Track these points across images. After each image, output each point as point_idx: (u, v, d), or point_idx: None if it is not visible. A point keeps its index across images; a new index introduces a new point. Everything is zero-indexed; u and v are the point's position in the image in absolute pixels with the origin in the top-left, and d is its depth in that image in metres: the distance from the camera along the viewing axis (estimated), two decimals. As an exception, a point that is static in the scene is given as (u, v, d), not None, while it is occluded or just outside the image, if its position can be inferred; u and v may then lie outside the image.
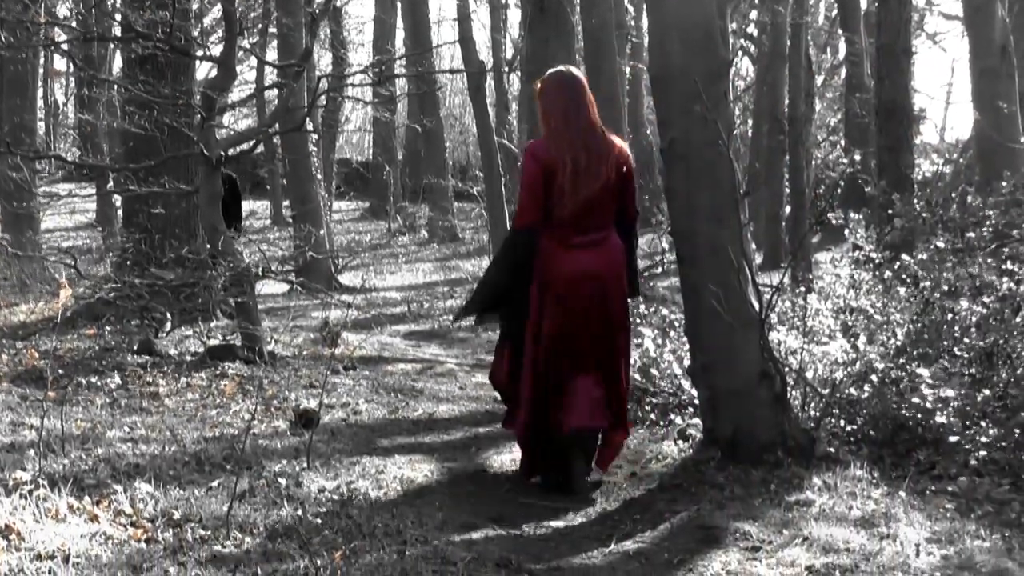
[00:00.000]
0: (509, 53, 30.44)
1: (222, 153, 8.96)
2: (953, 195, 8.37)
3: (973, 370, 6.38)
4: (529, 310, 5.63)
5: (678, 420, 6.65)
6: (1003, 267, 6.89)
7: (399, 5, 28.14)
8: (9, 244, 11.78)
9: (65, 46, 15.97)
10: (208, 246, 9.41)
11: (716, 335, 5.62)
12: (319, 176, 18.67)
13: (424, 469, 5.85)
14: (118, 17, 12.34)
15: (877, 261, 7.94)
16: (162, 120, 10.03)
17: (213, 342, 8.98)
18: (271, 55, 22.50)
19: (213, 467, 5.22)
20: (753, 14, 25.73)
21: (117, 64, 22.85)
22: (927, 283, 6.93)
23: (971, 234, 7.64)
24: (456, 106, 39.20)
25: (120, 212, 14.50)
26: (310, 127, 17.72)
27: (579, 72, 5.90)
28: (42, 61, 25.45)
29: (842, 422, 6.16)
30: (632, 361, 7.51)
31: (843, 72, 26.91)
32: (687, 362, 6.72)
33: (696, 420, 6.29)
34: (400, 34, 28.84)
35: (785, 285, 7.43)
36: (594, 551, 4.53)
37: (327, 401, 7.27)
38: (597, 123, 5.68)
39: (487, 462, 6.18)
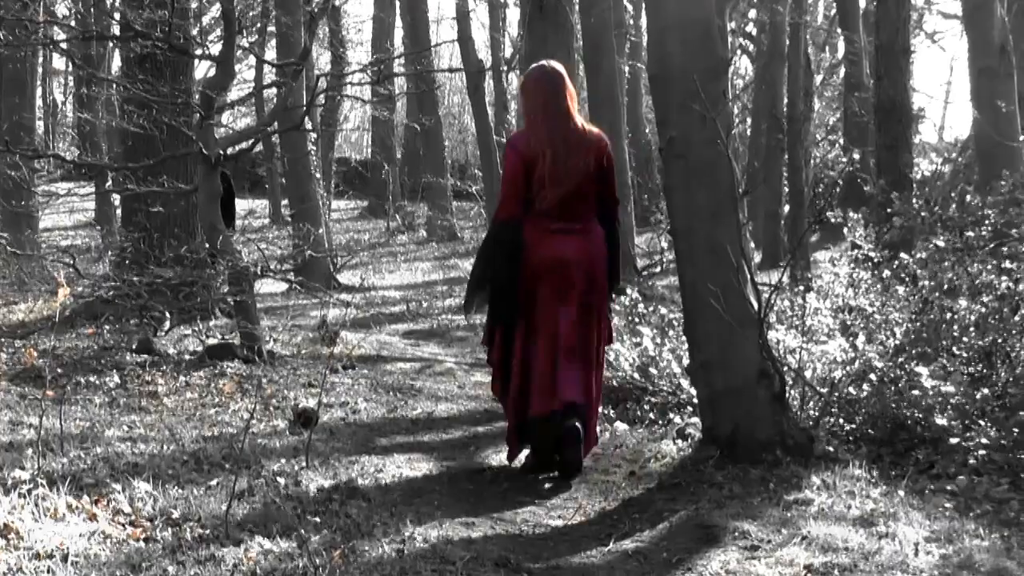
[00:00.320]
0: (508, 52, 30.40)
1: (221, 152, 8.96)
2: (952, 194, 8.37)
3: (972, 369, 6.38)
4: (518, 297, 5.76)
5: (677, 419, 6.65)
6: (1002, 266, 6.89)
7: (398, 4, 28.17)
8: (8, 243, 11.77)
9: (64, 45, 16.00)
10: (207, 245, 9.40)
11: (715, 334, 5.63)
12: (318, 175, 18.66)
13: (423, 468, 5.85)
14: (117, 16, 12.35)
15: (876, 260, 7.93)
16: (161, 119, 10.03)
17: (212, 341, 8.98)
18: (270, 54, 22.49)
19: (212, 466, 5.22)
20: (752, 13, 25.76)
21: (116, 63, 22.86)
22: (926, 282, 6.93)
23: (970, 233, 7.64)
24: (455, 105, 39.23)
25: (119, 211, 14.47)
26: (309, 126, 17.69)
27: (559, 67, 6.01)
28: (41, 60, 25.48)
29: (841, 421, 6.17)
30: (631, 360, 7.56)
31: (842, 71, 26.91)
32: (686, 361, 6.72)
33: (695, 419, 6.29)
34: (399, 33, 28.91)
35: (784, 284, 7.42)
36: (593, 550, 4.53)
37: (326, 400, 7.27)
38: (575, 115, 5.83)
39: (486, 461, 6.18)
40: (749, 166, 22.03)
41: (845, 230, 8.88)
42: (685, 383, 6.97)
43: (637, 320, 8.35)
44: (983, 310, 6.57)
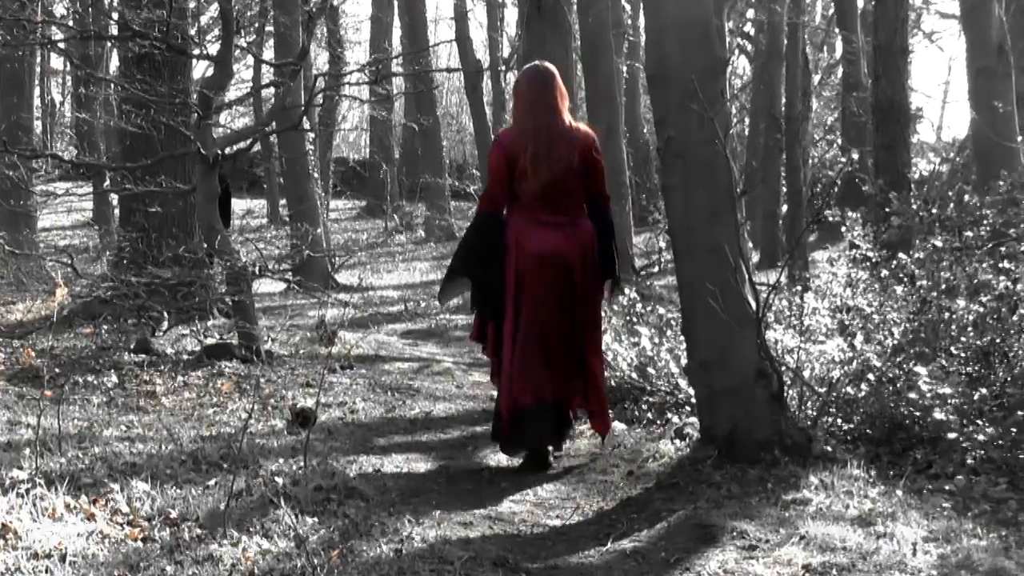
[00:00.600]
0: (506, 52, 30.41)
1: (219, 152, 8.95)
2: (950, 194, 8.36)
3: (970, 369, 6.38)
4: (505, 288, 5.94)
5: (675, 419, 6.65)
6: (1000, 266, 6.89)
7: (396, 4, 28.13)
8: (6, 243, 11.75)
9: (62, 45, 15.97)
10: (205, 245, 9.40)
11: (713, 334, 5.63)
12: (316, 175, 18.64)
13: (421, 468, 5.86)
14: (115, 16, 12.33)
15: (874, 260, 7.93)
16: (159, 119, 10.03)
17: (210, 341, 8.98)
18: (268, 54, 22.48)
19: (210, 466, 5.22)
20: (750, 13, 25.74)
21: (114, 63, 22.87)
22: (924, 282, 6.93)
23: (968, 233, 7.64)
24: (453, 105, 39.22)
25: (117, 211, 14.48)
26: (307, 126, 17.66)
27: (552, 67, 6.14)
28: (39, 60, 25.45)
29: (839, 421, 6.17)
30: (629, 360, 7.56)
31: (840, 71, 26.92)
32: (684, 360, 6.72)
33: (693, 419, 6.29)
34: (397, 32, 28.84)
35: (782, 284, 7.41)
36: (591, 550, 4.53)
37: (324, 400, 7.27)
38: (563, 112, 5.96)
39: (484, 460, 6.18)
40: (747, 166, 22.02)
41: (843, 230, 8.88)
42: (683, 383, 6.97)
43: (635, 320, 8.35)
44: (981, 310, 6.57)
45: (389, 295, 16.38)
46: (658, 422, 6.81)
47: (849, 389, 6.25)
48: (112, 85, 16.18)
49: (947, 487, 5.31)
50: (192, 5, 11.89)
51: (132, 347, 8.78)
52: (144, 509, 4.36)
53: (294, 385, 7.87)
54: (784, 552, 4.34)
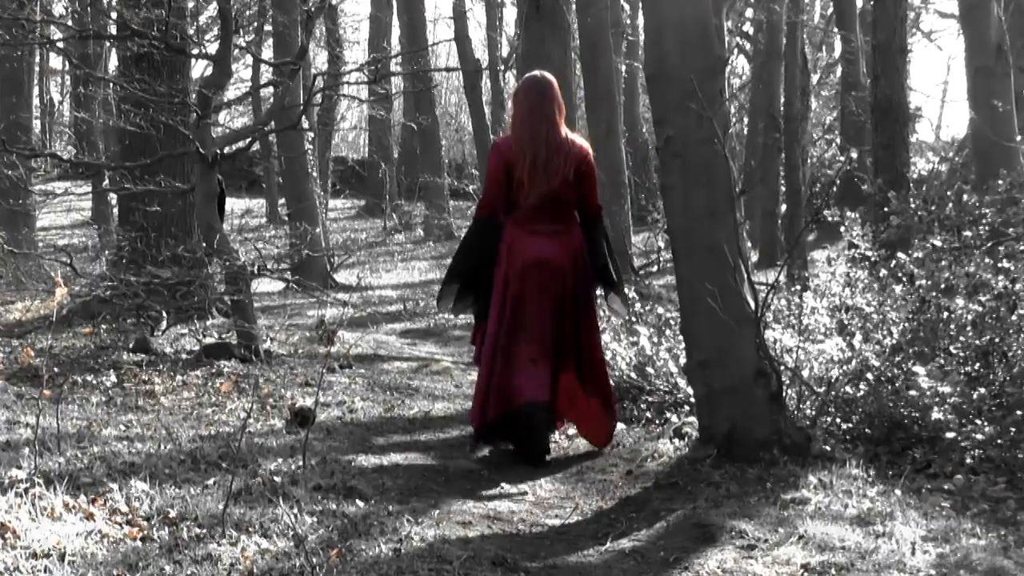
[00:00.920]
0: (505, 51, 30.44)
1: (218, 151, 8.95)
2: (949, 193, 8.36)
3: (969, 368, 6.38)
4: (494, 292, 6.15)
5: (674, 418, 6.66)
6: (999, 265, 6.89)
7: (395, 3, 28.08)
8: (5, 242, 11.75)
9: (61, 44, 15.99)
10: (204, 244, 9.39)
11: (712, 333, 5.64)
12: (315, 174, 18.63)
13: (420, 467, 5.85)
14: (114, 15, 12.33)
15: (873, 259, 7.93)
16: (158, 118, 10.02)
17: (209, 340, 8.97)
18: (267, 53, 22.50)
19: (209, 465, 5.21)
20: (749, 12, 25.74)
21: (113, 62, 22.85)
22: (923, 281, 6.93)
23: (967, 232, 7.65)
24: (452, 104, 39.21)
25: (116, 210, 14.47)
26: (306, 125, 17.69)
27: (551, 78, 6.33)
28: (38, 59, 25.46)
29: (838, 420, 6.17)
30: (628, 359, 7.56)
31: (839, 70, 26.95)
32: (683, 360, 6.73)
33: (692, 418, 6.29)
34: (396, 32, 28.81)
35: (781, 283, 7.42)
36: (590, 549, 4.53)
37: (323, 399, 7.27)
38: (559, 124, 6.15)
39: (482, 460, 6.18)
40: (746, 165, 22.02)
41: (842, 229, 8.88)
42: (682, 382, 6.97)
43: (634, 319, 8.34)
44: (980, 309, 6.57)
45: (388, 294, 16.38)
46: (657, 421, 6.81)
47: (848, 388, 6.26)
48: (111, 84, 16.19)
49: (946, 486, 5.31)
50: (191, 4, 11.90)
51: (131, 346, 8.77)
52: (143, 508, 4.36)
53: (293, 384, 7.86)
54: (783, 551, 4.34)
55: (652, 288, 12.91)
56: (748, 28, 26.77)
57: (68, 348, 8.80)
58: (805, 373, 6.30)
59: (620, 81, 21.52)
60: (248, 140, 10.28)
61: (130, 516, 4.25)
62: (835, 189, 23.10)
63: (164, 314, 9.80)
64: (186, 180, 10.37)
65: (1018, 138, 12.46)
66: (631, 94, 27.38)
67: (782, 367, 5.89)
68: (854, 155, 21.75)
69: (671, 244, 6.12)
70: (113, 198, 16.99)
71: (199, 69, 18.61)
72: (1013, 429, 5.67)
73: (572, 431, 6.55)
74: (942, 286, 6.81)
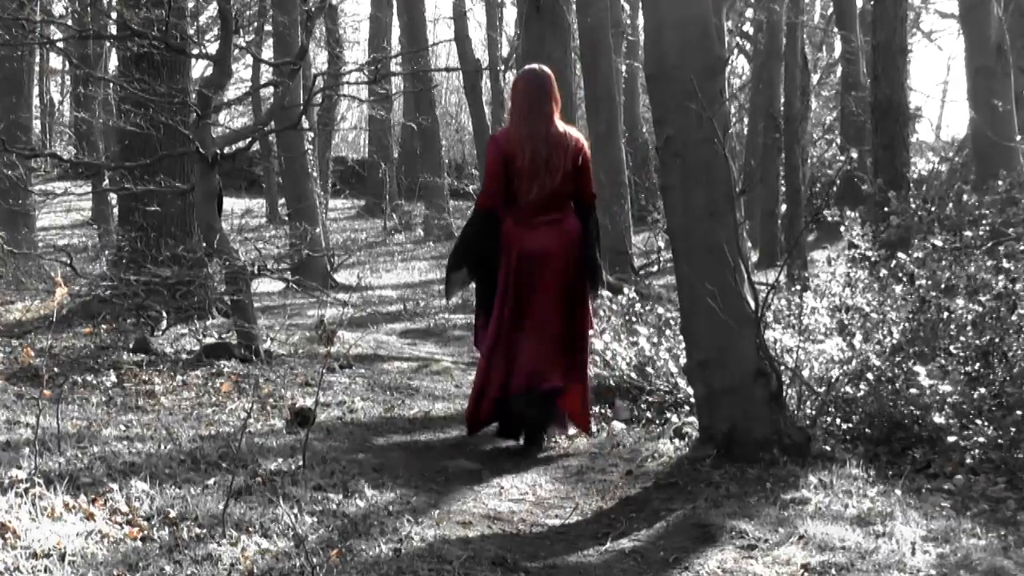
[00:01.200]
0: (505, 51, 30.44)
1: (218, 151, 8.95)
2: (949, 193, 8.37)
3: (969, 368, 6.38)
4: (498, 282, 6.34)
5: (674, 418, 6.66)
6: (999, 265, 6.89)
7: (395, 3, 28.10)
8: (5, 242, 11.75)
9: (61, 44, 16.00)
10: (204, 244, 9.39)
11: (712, 333, 5.64)
12: (315, 174, 18.65)
13: (420, 467, 5.85)
14: (114, 15, 12.33)
15: (873, 259, 7.93)
16: (158, 118, 10.01)
17: (209, 340, 8.97)
18: (267, 53, 22.48)
19: (209, 465, 5.21)
20: (749, 12, 25.74)
21: (113, 62, 22.83)
22: (923, 281, 6.93)
23: (968, 232, 7.65)
24: (452, 104, 39.22)
25: (116, 210, 14.47)
26: (306, 125, 17.70)
27: (548, 71, 6.44)
28: (38, 59, 25.44)
29: (838, 420, 6.17)
30: (628, 359, 7.56)
31: (839, 70, 26.95)
32: (683, 360, 6.73)
33: (692, 418, 6.29)
34: (396, 32, 28.82)
35: (781, 283, 7.42)
36: (590, 549, 4.53)
37: (323, 399, 7.27)
38: (556, 118, 6.26)
39: (482, 460, 6.17)
40: (746, 165, 22.01)
41: (842, 229, 8.88)
42: (682, 382, 6.97)
43: (634, 319, 8.34)
44: (980, 309, 6.57)
45: (388, 294, 16.38)
46: (657, 421, 6.81)
47: (848, 388, 6.26)
48: (111, 84, 16.19)
49: (946, 486, 5.32)
50: (191, 4, 11.90)
51: (131, 346, 8.77)
52: (143, 508, 4.36)
53: (293, 384, 7.86)
54: (783, 551, 4.34)
55: (652, 288, 12.91)
56: (748, 28, 26.77)
57: (68, 348, 8.80)
58: (805, 373, 6.30)
59: (620, 81, 21.51)
60: (248, 140, 10.28)
61: (130, 516, 4.25)
62: (835, 189, 23.09)
63: (164, 314, 9.81)
64: (186, 180, 10.37)
65: (1018, 138, 12.48)
66: (631, 94, 27.38)
67: (782, 367, 5.88)
68: (854, 155, 21.75)
69: (671, 244, 6.13)
70: (113, 198, 16.99)
71: (199, 69, 18.61)
72: (1013, 429, 5.67)
73: (572, 431, 6.55)
74: (942, 286, 6.82)
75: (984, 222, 7.75)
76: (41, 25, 12.39)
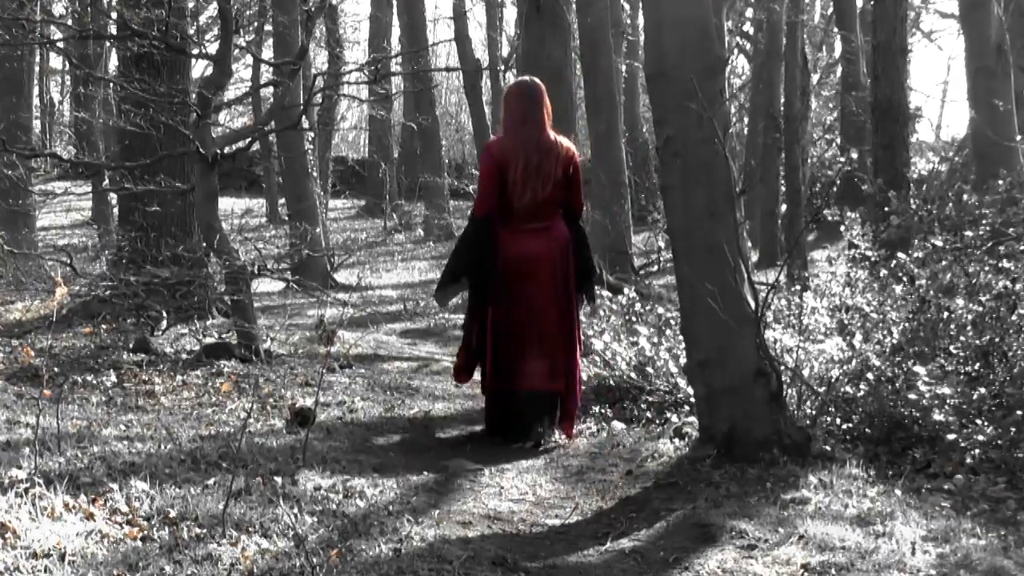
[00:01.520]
0: (505, 51, 30.42)
1: (218, 151, 8.95)
2: (949, 193, 8.37)
3: (969, 368, 6.38)
4: (496, 290, 6.54)
5: (674, 418, 6.66)
6: (999, 265, 6.90)
7: (395, 3, 28.09)
8: (5, 242, 11.75)
9: (61, 44, 15.99)
10: (204, 244, 9.39)
11: (712, 333, 5.63)
12: (315, 174, 18.64)
13: (420, 467, 5.85)
14: (114, 15, 12.31)
15: (873, 259, 7.94)
16: (158, 118, 10.01)
17: (209, 340, 8.97)
18: (267, 53, 22.49)
19: (209, 465, 5.21)
20: (749, 12, 25.74)
21: (113, 62, 22.84)
22: (923, 281, 6.93)
23: (968, 232, 7.65)
24: (452, 104, 39.22)
25: (116, 210, 14.47)
26: (306, 125, 17.68)
27: (539, 83, 6.73)
28: (38, 59, 25.44)
29: (838, 420, 6.17)
30: (628, 359, 7.56)
31: (839, 70, 26.95)
32: (683, 360, 6.73)
33: (692, 418, 6.29)
34: (396, 32, 28.82)
35: (781, 283, 7.42)
36: (590, 549, 4.53)
37: (323, 399, 7.26)
38: (547, 127, 6.53)
39: (483, 460, 6.17)
40: (746, 165, 22.01)
41: (842, 229, 8.90)
42: (682, 382, 6.97)
43: (634, 319, 8.34)
44: (980, 309, 6.58)
45: (388, 294, 16.38)
46: (657, 421, 6.81)
47: (848, 388, 6.26)
48: (111, 84, 16.18)
49: (946, 486, 5.32)
50: (191, 4, 11.89)
51: (131, 346, 8.77)
52: (143, 508, 4.35)
53: (293, 384, 7.86)
54: (783, 551, 4.34)
55: (652, 288, 12.91)
56: (748, 28, 26.78)
57: (68, 348, 8.80)
58: (805, 373, 6.30)
59: (620, 81, 21.52)
60: (248, 140, 10.28)
61: (130, 516, 4.25)
62: (835, 189, 23.11)
63: (164, 314, 9.80)
64: (186, 180, 10.37)
65: (1018, 138, 12.48)
66: (631, 94, 27.37)
67: (782, 367, 5.88)
68: (854, 155, 21.75)
69: (671, 244, 6.13)
70: (113, 198, 16.99)
71: (199, 69, 18.58)
72: (1013, 429, 5.67)
73: (558, 436, 6.56)
74: (942, 286, 6.82)
75: (984, 222, 7.76)
76: (41, 25, 12.40)
